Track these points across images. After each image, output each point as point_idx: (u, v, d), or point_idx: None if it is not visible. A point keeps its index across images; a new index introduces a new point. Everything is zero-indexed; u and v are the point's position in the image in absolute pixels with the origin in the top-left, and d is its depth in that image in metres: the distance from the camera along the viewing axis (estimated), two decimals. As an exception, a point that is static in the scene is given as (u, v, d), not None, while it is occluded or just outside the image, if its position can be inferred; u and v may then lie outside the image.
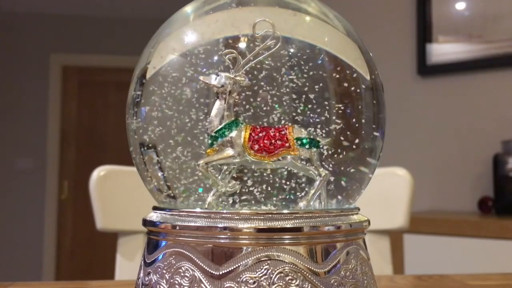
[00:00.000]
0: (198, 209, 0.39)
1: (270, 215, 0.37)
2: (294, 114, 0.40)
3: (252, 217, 0.36)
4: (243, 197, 0.41)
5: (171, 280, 0.37)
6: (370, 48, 0.46)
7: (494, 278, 0.74)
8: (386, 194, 0.91)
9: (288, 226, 0.36)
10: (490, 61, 1.86)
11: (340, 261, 0.38)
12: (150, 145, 0.43)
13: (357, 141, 0.42)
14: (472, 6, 1.94)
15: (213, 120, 0.39)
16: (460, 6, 1.97)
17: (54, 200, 3.78)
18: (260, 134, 0.39)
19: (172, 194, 0.43)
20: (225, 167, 0.40)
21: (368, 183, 0.45)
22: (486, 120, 1.88)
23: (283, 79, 0.40)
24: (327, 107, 0.41)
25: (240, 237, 0.36)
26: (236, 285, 0.35)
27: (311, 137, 0.39)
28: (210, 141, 0.40)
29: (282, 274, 0.35)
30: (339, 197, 0.43)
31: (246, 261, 0.35)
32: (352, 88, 0.42)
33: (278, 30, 0.39)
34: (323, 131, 0.40)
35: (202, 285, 0.36)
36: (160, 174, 0.43)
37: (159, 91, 0.42)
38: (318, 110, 0.40)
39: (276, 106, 0.40)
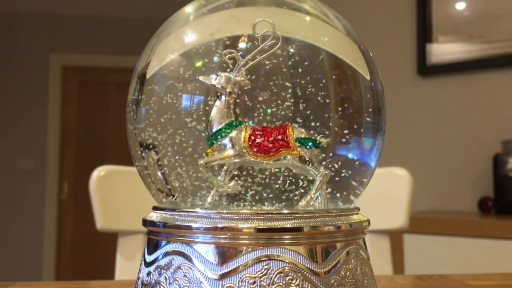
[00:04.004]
0: (198, 209, 0.39)
1: (270, 215, 0.37)
2: (294, 114, 0.40)
3: (252, 217, 0.36)
4: (243, 197, 0.41)
5: (171, 280, 0.37)
6: (370, 48, 0.46)
7: (494, 278, 0.74)
8: (386, 194, 0.91)
9: (288, 226, 0.36)
10: (490, 61, 1.86)
11: (340, 261, 0.38)
12: (150, 145, 0.43)
13: (357, 141, 0.42)
14: (472, 6, 1.94)
15: (213, 120, 0.39)
16: (460, 6, 1.97)
17: (54, 200, 3.78)
18: (260, 134, 0.39)
19: (172, 194, 0.43)
20: (225, 167, 0.40)
21: (368, 183, 0.45)
22: (486, 120, 1.88)
23: (283, 79, 0.40)
24: (327, 107, 0.41)
25: (240, 237, 0.36)
26: (236, 285, 0.35)
27: (311, 137, 0.39)
28: (210, 141, 0.40)
29: (282, 274, 0.35)
30: (339, 197, 0.43)
31: (246, 261, 0.35)
32: (352, 88, 0.42)
33: (278, 30, 0.39)
34: (323, 131, 0.40)
35: (202, 285, 0.36)
36: (160, 174, 0.43)
37: (159, 91, 0.42)
38: (318, 110, 0.40)
39: (276, 106, 0.40)
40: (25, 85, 3.78)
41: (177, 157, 0.41)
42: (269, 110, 0.40)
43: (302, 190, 0.41)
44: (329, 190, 0.42)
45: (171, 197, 0.43)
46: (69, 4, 3.68)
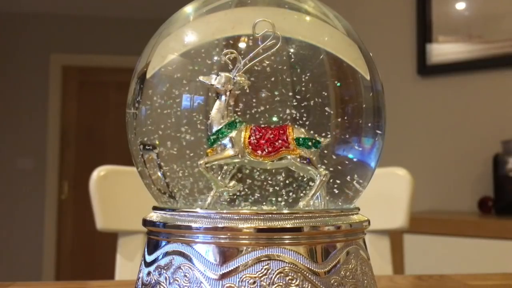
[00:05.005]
0: (198, 209, 0.39)
1: (270, 215, 0.37)
2: (294, 114, 0.40)
3: (252, 217, 0.36)
4: (243, 197, 0.41)
5: (171, 280, 0.37)
6: (370, 48, 0.46)
7: (494, 278, 0.74)
8: (386, 194, 0.91)
9: (288, 226, 0.36)
10: (490, 61, 1.86)
11: (340, 261, 0.38)
12: (150, 145, 0.43)
13: (357, 141, 0.42)
14: (472, 6, 1.94)
15: (213, 120, 0.39)
16: (460, 6, 1.97)
17: (54, 200, 3.78)
18: (260, 134, 0.39)
19: (172, 194, 0.43)
20: (225, 167, 0.40)
21: (368, 183, 0.45)
22: (486, 120, 1.88)
23: (283, 79, 0.40)
24: (327, 107, 0.41)
25: (240, 237, 0.36)
26: (236, 285, 0.35)
27: (311, 137, 0.39)
28: (210, 141, 0.40)
29: (282, 274, 0.35)
30: (339, 197, 0.43)
31: (246, 261, 0.35)
32: (352, 88, 0.42)
33: (278, 30, 0.39)
34: (323, 131, 0.40)
35: (202, 285, 0.36)
36: (160, 174, 0.43)
37: (159, 91, 0.42)
38: (318, 110, 0.40)
39: (276, 106, 0.40)
40: (25, 85, 3.78)
41: (177, 157, 0.41)
42: (269, 112, 0.40)
43: (302, 190, 0.41)
44: (329, 189, 0.42)
45: (171, 197, 0.43)
46: (69, 4, 3.68)
